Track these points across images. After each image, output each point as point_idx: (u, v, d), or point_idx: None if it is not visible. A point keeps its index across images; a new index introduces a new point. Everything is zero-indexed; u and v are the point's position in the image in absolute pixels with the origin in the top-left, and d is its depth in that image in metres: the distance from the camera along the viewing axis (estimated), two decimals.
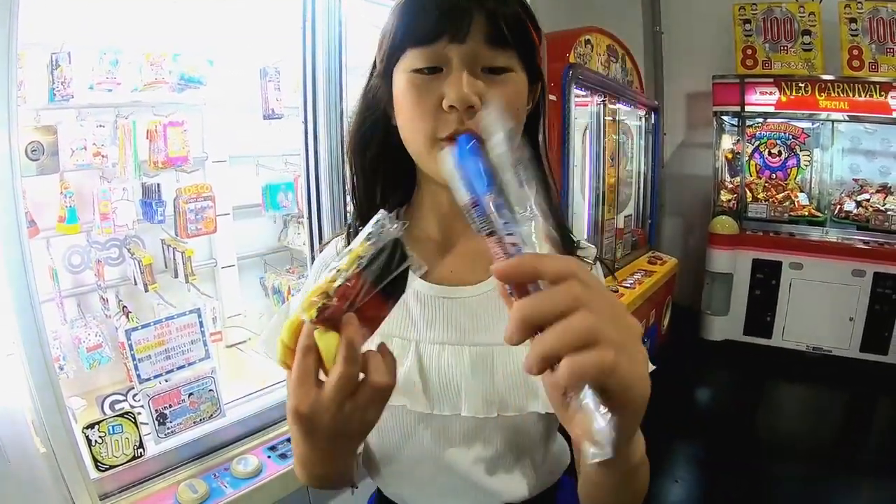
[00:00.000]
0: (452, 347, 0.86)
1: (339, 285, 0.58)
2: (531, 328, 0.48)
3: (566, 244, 0.92)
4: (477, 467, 0.88)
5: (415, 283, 0.87)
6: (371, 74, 0.89)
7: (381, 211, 0.63)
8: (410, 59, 0.78)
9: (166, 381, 1.58)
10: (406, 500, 0.95)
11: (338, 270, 0.59)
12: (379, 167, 0.93)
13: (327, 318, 0.58)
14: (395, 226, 0.62)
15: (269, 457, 1.62)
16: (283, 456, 1.62)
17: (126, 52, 2.00)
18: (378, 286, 0.60)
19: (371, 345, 0.65)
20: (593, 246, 0.97)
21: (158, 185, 2.22)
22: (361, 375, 0.61)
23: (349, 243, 0.70)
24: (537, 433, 0.89)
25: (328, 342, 0.58)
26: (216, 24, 2.19)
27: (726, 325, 5.15)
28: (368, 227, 0.62)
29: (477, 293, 0.87)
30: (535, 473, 0.92)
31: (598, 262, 0.95)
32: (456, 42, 0.75)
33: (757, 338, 5.06)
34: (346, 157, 0.98)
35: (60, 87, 1.83)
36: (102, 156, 2.01)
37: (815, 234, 4.94)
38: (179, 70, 2.08)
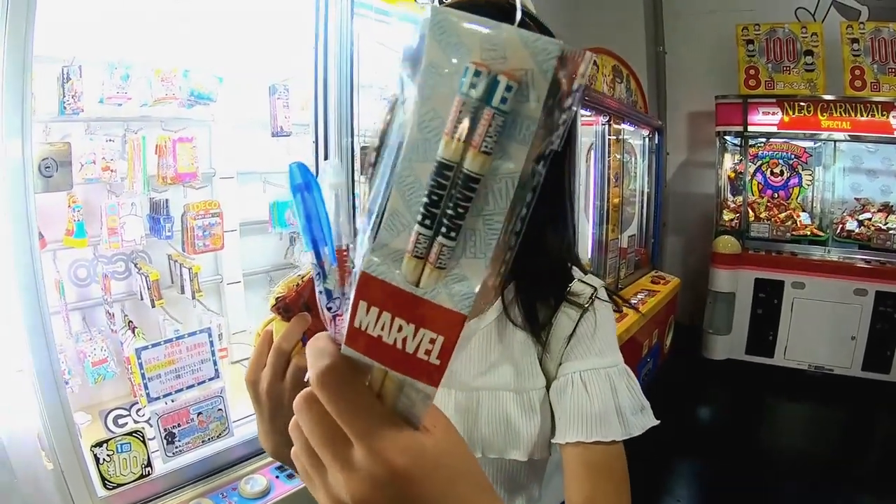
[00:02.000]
0: (441, 390, 0.83)
1: (296, 283, 0.67)
2: None
3: (563, 281, 0.89)
4: None
5: None
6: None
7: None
8: None
9: (173, 400, 1.57)
10: None
11: (303, 272, 0.68)
12: None
13: (280, 307, 0.67)
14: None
15: (276, 477, 1.61)
16: (291, 476, 1.61)
17: (137, 67, 2.01)
18: None
19: None
20: (597, 283, 0.91)
21: (167, 200, 2.22)
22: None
23: None
24: (527, 474, 0.89)
25: (280, 328, 0.67)
26: (226, 41, 2.20)
27: (728, 344, 5.14)
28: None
29: (468, 331, 0.84)
30: None
31: (594, 301, 0.88)
32: None
33: (759, 357, 5.05)
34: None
35: (71, 101, 1.83)
36: (111, 170, 2.01)
37: (817, 253, 4.95)
38: (189, 86, 2.08)
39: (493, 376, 0.85)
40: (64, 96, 1.82)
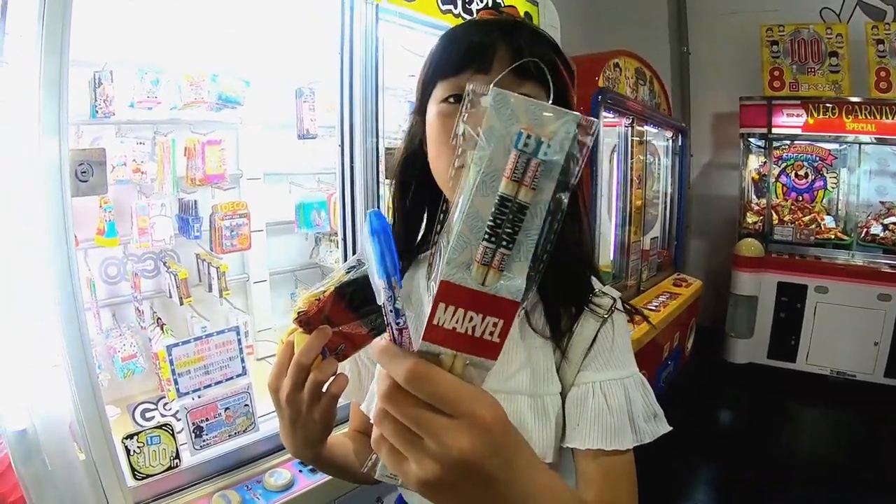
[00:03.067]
0: None
1: (315, 298, 0.73)
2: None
3: (584, 290, 0.92)
4: None
5: None
6: (412, 112, 0.95)
7: (358, 255, 0.73)
8: (439, 91, 0.85)
9: (200, 396, 1.62)
10: None
11: (323, 288, 0.74)
12: (416, 206, 0.98)
13: (302, 321, 0.73)
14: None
15: (300, 471, 1.65)
16: (314, 470, 1.65)
17: (166, 71, 2.07)
18: (353, 309, 0.74)
19: None
20: (615, 294, 0.94)
21: (195, 201, 2.28)
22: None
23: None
24: None
25: (301, 341, 0.73)
26: (254, 46, 2.25)
27: (750, 348, 5.11)
28: (350, 262, 0.76)
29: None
30: None
31: (614, 312, 0.91)
32: (481, 73, 0.81)
33: (781, 361, 5.01)
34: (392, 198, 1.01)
35: (102, 105, 1.90)
36: (142, 172, 2.07)
37: (842, 257, 4.90)
38: (218, 90, 2.14)
39: (511, 380, 0.88)
40: (95, 100, 1.89)
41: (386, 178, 2.02)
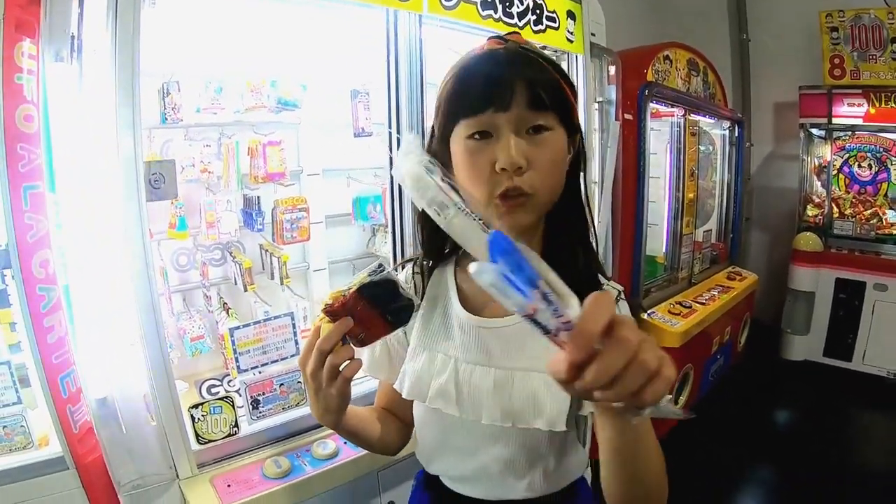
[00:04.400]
0: (482, 368, 1.04)
1: (341, 295, 0.90)
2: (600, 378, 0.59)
3: (593, 283, 1.05)
4: (496, 463, 1.06)
5: (462, 316, 1.07)
6: (431, 137, 1.07)
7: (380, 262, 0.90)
8: (464, 128, 0.96)
9: (260, 372, 1.81)
10: (443, 479, 1.16)
11: (348, 287, 0.90)
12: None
13: (328, 311, 0.91)
14: (390, 270, 0.92)
15: (345, 443, 1.81)
16: None
17: (229, 80, 2.25)
18: (374, 307, 0.91)
19: (422, 356, 1.09)
20: (620, 286, 1.08)
21: (258, 197, 2.46)
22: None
23: (421, 272, 1.15)
24: (546, 445, 1.04)
25: (326, 329, 0.90)
26: (309, 51, 2.40)
27: (806, 346, 5.01)
28: (372, 267, 0.92)
29: (508, 324, 1.02)
30: (544, 479, 1.06)
31: (621, 301, 1.05)
32: (501, 110, 0.92)
33: (837, 360, 4.88)
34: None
35: (171, 112, 2.09)
36: (208, 171, 2.26)
37: None
38: (277, 95, 2.31)
39: (526, 359, 1.01)
40: (164, 108, 2.08)
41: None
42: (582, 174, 1.09)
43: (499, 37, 1.00)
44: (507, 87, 0.92)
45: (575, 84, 1.06)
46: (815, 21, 4.91)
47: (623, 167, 3.20)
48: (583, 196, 1.10)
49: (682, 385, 3.67)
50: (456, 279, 1.13)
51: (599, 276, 1.08)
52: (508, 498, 1.05)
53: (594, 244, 1.11)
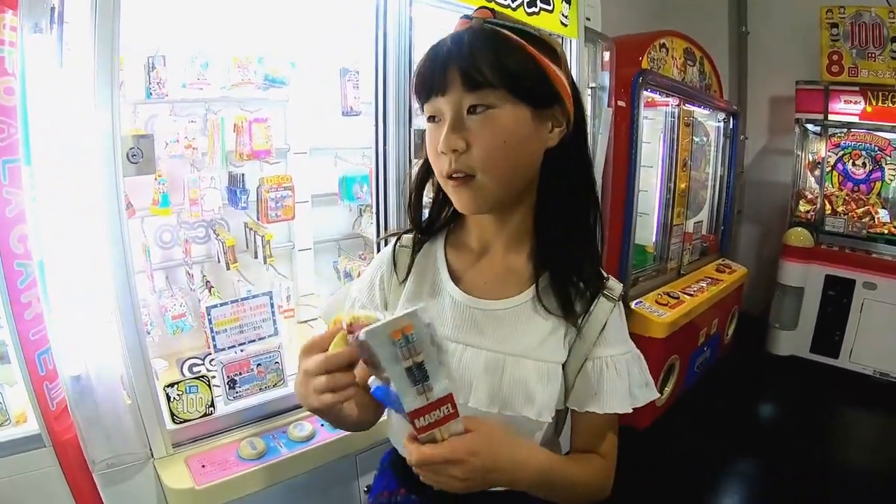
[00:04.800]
0: (473, 350, 1.02)
1: (364, 322, 0.84)
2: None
3: (599, 279, 1.05)
4: None
5: (455, 294, 1.06)
6: None
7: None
8: (424, 111, 0.99)
9: (241, 350, 1.79)
10: None
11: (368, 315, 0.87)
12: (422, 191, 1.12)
13: (349, 330, 0.85)
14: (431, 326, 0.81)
15: (322, 425, 1.80)
16: None
17: (215, 55, 2.21)
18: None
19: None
20: (619, 284, 1.07)
21: (243, 174, 2.43)
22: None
23: (412, 245, 1.14)
24: (531, 435, 1.03)
25: (338, 342, 0.86)
26: (298, 28, 2.37)
27: (793, 341, 5.00)
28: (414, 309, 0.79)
29: (502, 307, 1.03)
30: None
31: (616, 309, 1.04)
32: (440, 94, 0.93)
33: (823, 357, 4.88)
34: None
35: (156, 87, 2.06)
36: (193, 147, 2.23)
37: (893, 253, 4.69)
38: (264, 72, 2.27)
39: (519, 345, 1.01)
40: (150, 83, 2.05)
41: (415, 157, 2.13)
42: (585, 144, 1.05)
43: (467, 16, 0.96)
44: (441, 71, 0.92)
45: (567, 62, 1.01)
46: (815, 16, 4.86)
47: (614, 155, 3.18)
48: (585, 184, 1.05)
49: (667, 376, 3.67)
50: (446, 255, 1.12)
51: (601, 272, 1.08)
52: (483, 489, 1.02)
53: (598, 238, 1.08)
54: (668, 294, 3.74)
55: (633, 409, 1.02)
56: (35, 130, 1.41)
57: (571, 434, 1.10)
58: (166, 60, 2.09)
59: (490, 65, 0.89)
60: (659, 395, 1.06)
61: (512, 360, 1.00)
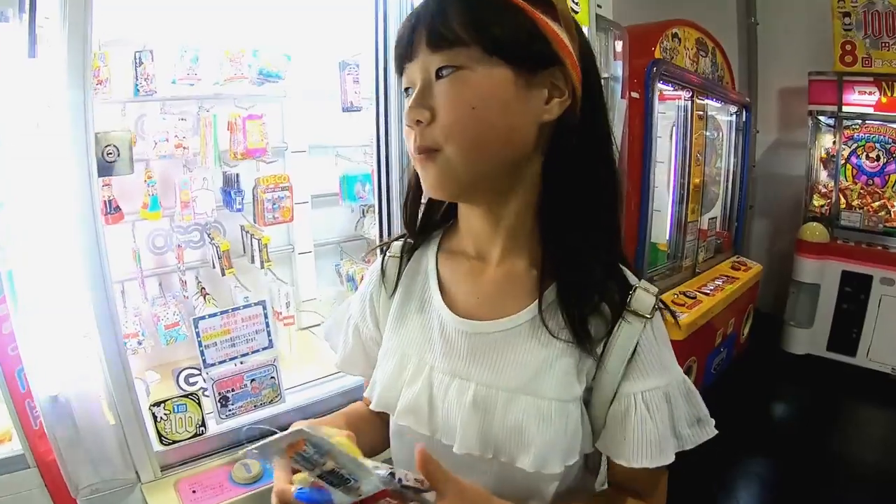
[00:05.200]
0: (460, 382, 0.84)
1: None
2: None
3: (621, 290, 0.82)
4: None
5: (442, 313, 0.88)
6: None
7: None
8: (402, 85, 0.83)
9: (234, 366, 1.66)
10: None
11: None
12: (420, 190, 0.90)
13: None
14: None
15: None
16: None
17: (206, 48, 2.11)
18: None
19: (392, 359, 0.92)
20: (653, 293, 0.83)
21: (238, 174, 2.32)
22: None
23: (401, 252, 0.98)
24: (529, 488, 0.83)
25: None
26: (294, 19, 2.26)
27: (809, 339, 4.86)
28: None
29: (496, 329, 0.83)
30: None
31: (657, 312, 0.83)
32: (409, 61, 0.78)
33: (840, 355, 4.74)
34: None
35: (144, 83, 1.96)
36: (184, 147, 2.12)
37: None
38: (258, 65, 2.17)
39: (515, 376, 0.81)
40: (137, 79, 1.95)
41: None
42: (601, 118, 0.83)
43: None
44: (410, 34, 0.77)
45: (571, 20, 0.79)
46: (825, 6, 4.72)
47: (628, 149, 3.04)
48: (605, 173, 0.83)
49: None
50: (437, 264, 0.94)
51: (628, 274, 0.85)
52: None
53: (613, 230, 0.86)
54: (684, 294, 3.61)
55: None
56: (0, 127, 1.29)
57: (608, 467, 0.90)
58: (154, 55, 1.99)
59: (461, 19, 0.73)
60: (716, 431, 0.84)
61: (505, 396, 0.81)
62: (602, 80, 2.56)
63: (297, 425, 0.67)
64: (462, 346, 0.85)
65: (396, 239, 1.02)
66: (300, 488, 0.69)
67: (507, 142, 0.77)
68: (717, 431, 0.83)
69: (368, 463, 0.66)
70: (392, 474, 0.66)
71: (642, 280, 0.85)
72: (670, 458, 0.79)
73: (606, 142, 0.83)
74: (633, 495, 0.86)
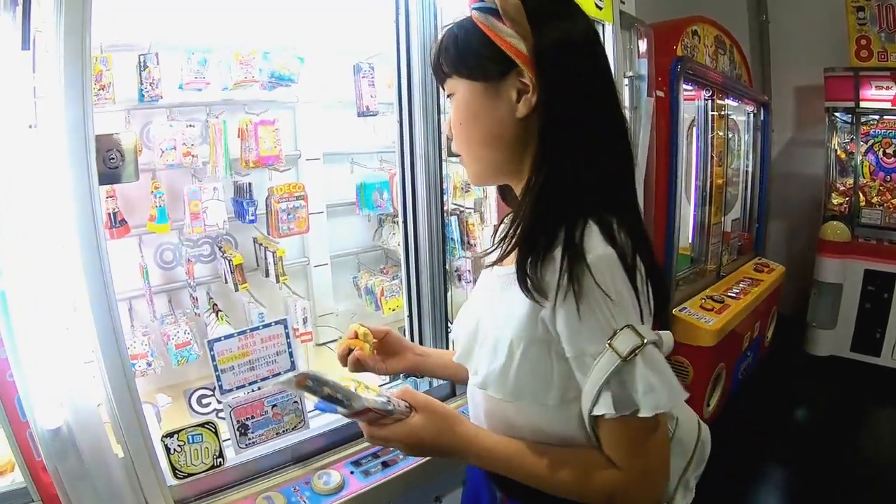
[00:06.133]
0: (472, 309, 1.08)
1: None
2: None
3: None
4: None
5: (488, 260, 1.04)
6: None
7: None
8: None
9: (253, 391, 1.53)
10: None
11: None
12: None
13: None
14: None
15: (352, 472, 1.55)
16: (367, 473, 1.55)
17: (215, 51, 2.01)
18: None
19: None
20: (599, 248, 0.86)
21: (250, 184, 2.22)
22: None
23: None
24: (507, 419, 0.98)
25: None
26: (306, 20, 2.17)
27: (832, 340, 4.74)
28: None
29: (499, 274, 0.99)
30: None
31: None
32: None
33: (864, 355, 4.61)
34: None
35: (149, 88, 1.86)
36: (192, 155, 2.01)
37: None
38: (270, 68, 2.06)
39: (492, 310, 0.99)
40: (142, 84, 1.84)
41: (448, 155, 1.91)
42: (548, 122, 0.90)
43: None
44: (433, 64, 1.02)
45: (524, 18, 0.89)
46: (838, 1, 4.62)
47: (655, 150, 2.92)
48: (553, 148, 0.90)
49: (713, 388, 3.40)
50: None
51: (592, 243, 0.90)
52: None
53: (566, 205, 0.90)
54: (711, 298, 3.48)
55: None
56: None
57: None
58: (160, 58, 1.88)
59: (447, 57, 0.96)
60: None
61: (485, 327, 1.00)
62: (626, 79, 2.46)
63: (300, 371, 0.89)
64: (487, 285, 1.05)
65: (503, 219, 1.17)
66: (318, 401, 0.90)
67: (488, 143, 0.97)
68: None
69: (369, 392, 0.95)
70: (388, 400, 0.95)
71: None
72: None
73: (574, 119, 0.89)
74: (601, 454, 0.90)
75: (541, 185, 0.89)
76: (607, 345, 0.83)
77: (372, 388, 0.98)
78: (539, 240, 0.88)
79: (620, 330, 0.83)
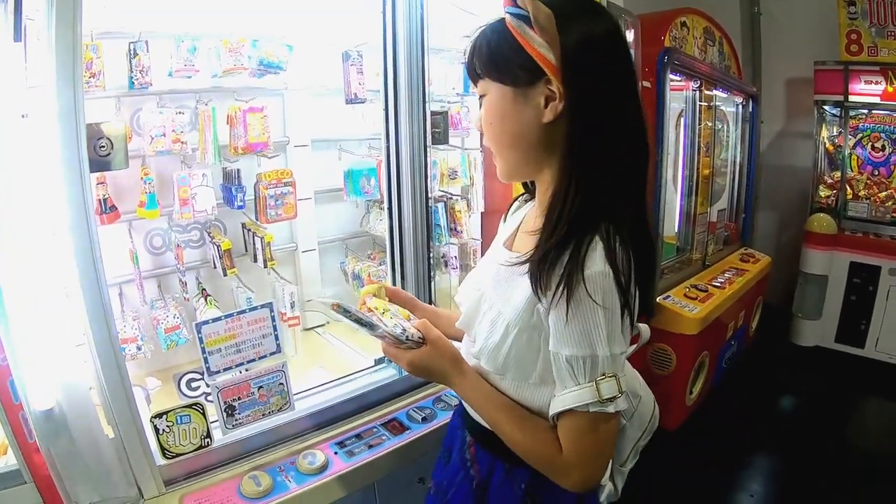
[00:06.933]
0: (478, 275, 1.20)
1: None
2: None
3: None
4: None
5: (498, 244, 1.20)
6: None
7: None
8: None
9: (240, 372, 1.56)
10: None
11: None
12: None
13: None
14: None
15: (336, 453, 1.59)
16: (351, 453, 1.59)
17: (204, 38, 2.02)
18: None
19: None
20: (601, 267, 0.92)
21: (238, 170, 2.23)
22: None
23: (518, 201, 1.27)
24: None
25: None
26: (295, 8, 2.18)
27: (817, 331, 4.81)
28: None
29: (505, 261, 1.06)
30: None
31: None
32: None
33: (849, 346, 4.69)
34: None
35: (139, 76, 1.87)
36: (182, 142, 2.03)
37: None
38: (259, 56, 2.07)
39: (499, 292, 1.07)
40: (132, 71, 1.85)
41: (433, 143, 1.94)
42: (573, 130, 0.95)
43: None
44: (468, 64, 1.06)
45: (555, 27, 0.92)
46: None
47: None
48: (576, 160, 0.95)
49: (696, 375, 3.46)
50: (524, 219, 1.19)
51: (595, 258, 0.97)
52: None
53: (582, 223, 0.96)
54: (695, 287, 3.53)
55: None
56: None
57: None
58: (149, 46, 1.89)
59: (481, 58, 1.01)
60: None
61: (487, 305, 1.09)
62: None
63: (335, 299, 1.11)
64: (494, 271, 1.11)
65: (517, 197, 1.28)
66: (351, 323, 1.10)
67: (513, 144, 1.03)
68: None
69: (395, 319, 1.15)
70: (404, 330, 1.11)
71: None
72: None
73: (599, 129, 0.94)
74: (555, 434, 1.01)
75: (572, 195, 0.94)
76: (594, 382, 0.93)
77: (403, 313, 1.21)
78: (555, 245, 0.94)
79: (610, 377, 0.93)
